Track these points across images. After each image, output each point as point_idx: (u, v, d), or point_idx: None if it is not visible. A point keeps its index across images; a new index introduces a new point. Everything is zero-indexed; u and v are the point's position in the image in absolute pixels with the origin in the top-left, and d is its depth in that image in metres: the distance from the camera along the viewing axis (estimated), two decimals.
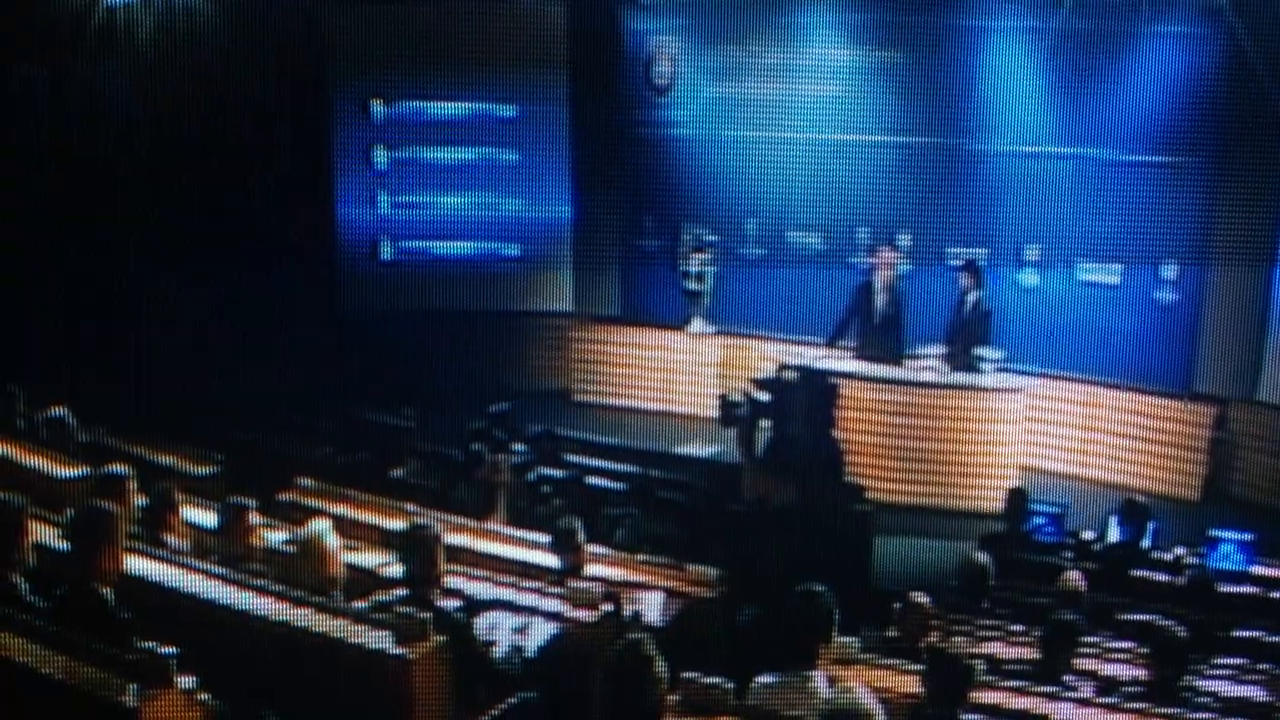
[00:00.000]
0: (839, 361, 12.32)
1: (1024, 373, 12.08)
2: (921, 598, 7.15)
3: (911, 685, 5.76)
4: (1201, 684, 6.76)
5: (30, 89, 12.92)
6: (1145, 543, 9.18)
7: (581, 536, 7.58)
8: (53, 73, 12.97)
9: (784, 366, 11.73)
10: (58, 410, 9.03)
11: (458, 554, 7.19)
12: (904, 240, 13.40)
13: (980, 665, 5.97)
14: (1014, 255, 13.08)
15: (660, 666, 4.49)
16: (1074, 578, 7.84)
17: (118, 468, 7.13)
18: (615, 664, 4.49)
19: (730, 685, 5.36)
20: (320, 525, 6.48)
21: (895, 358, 12.23)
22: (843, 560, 9.03)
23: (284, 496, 8.59)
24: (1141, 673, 6.76)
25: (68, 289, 12.39)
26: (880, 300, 12.36)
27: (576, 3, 14.61)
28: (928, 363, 12.05)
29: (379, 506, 8.52)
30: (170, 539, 6.79)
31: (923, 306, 12.43)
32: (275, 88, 13.62)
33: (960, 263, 12.53)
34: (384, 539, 7.50)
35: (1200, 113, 11.81)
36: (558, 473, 10.34)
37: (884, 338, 12.30)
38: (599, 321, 15.07)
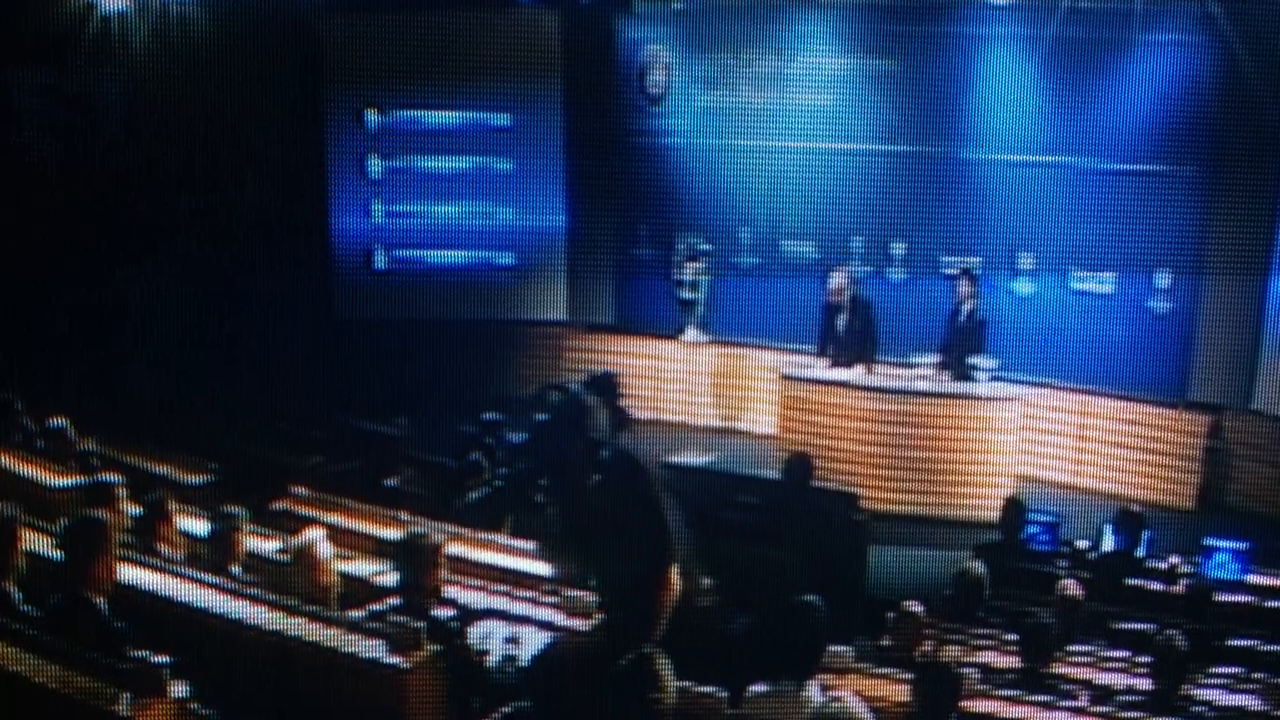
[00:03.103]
0: (834, 371, 12.37)
1: (1019, 382, 12.09)
2: (915, 607, 7.15)
3: (905, 694, 5.76)
4: (1197, 693, 6.76)
5: (24, 98, 12.92)
6: (1140, 552, 9.18)
7: None
8: (48, 82, 12.97)
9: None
10: (58, 421, 9.01)
11: (451, 562, 7.19)
12: (899, 248, 13.47)
13: (975, 674, 5.98)
14: (1008, 264, 13.08)
15: (670, 680, 4.48)
16: (1071, 586, 7.84)
17: (109, 476, 7.12)
18: (626, 675, 4.48)
19: (724, 694, 5.36)
20: (313, 534, 6.48)
21: (870, 363, 12.34)
22: (837, 569, 9.04)
23: (278, 505, 8.58)
24: (1137, 681, 6.77)
25: (63, 299, 12.39)
26: (842, 320, 12.42)
27: (570, 12, 14.62)
28: (923, 372, 12.06)
29: (372, 515, 8.50)
30: (163, 548, 6.77)
31: (915, 314, 12.46)
32: (269, 97, 13.63)
33: (955, 271, 12.54)
34: (380, 548, 7.49)
35: (1194, 122, 11.81)
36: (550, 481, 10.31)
37: (855, 349, 12.37)
38: (593, 330, 15.08)
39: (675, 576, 5.09)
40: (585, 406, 5.69)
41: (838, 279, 12.46)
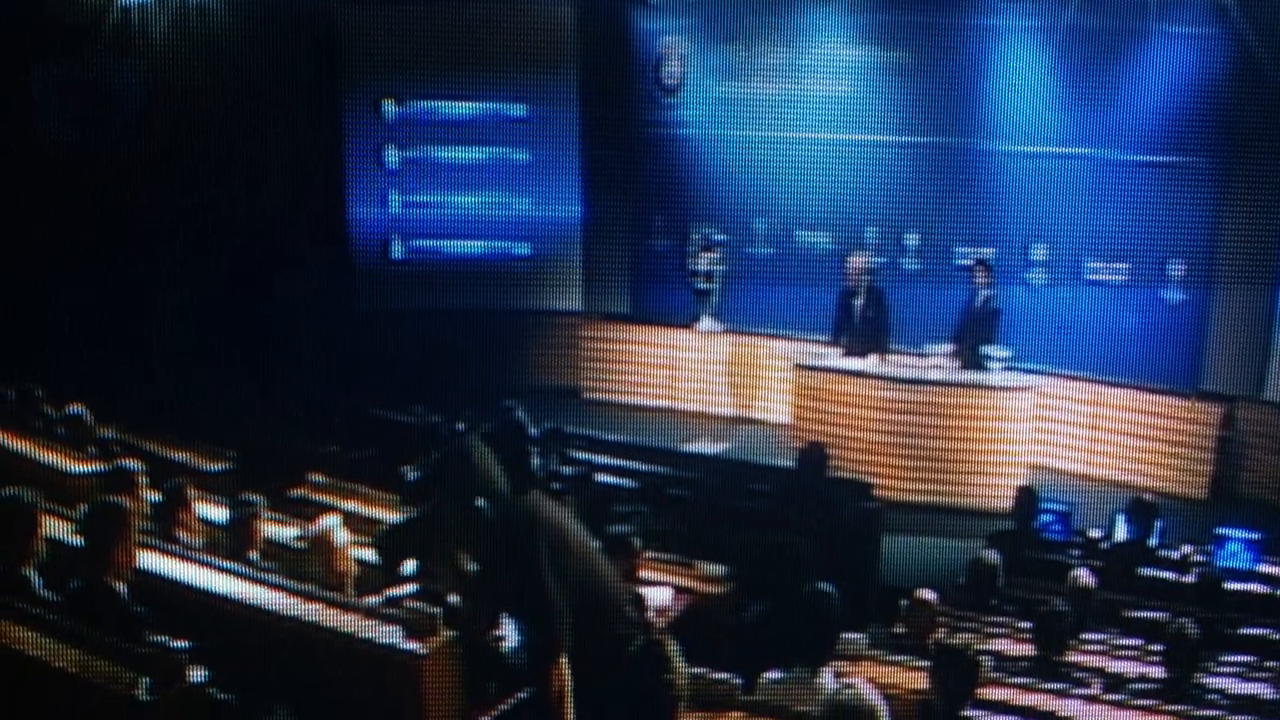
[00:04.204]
0: (847, 360, 12.39)
1: (1032, 371, 12.09)
2: (928, 594, 7.17)
3: (918, 681, 5.78)
4: (1209, 681, 6.78)
5: (45, 89, 12.97)
6: (1152, 541, 9.19)
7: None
8: (68, 73, 13.02)
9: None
10: (75, 408, 9.07)
11: None
12: (913, 238, 13.49)
13: (988, 661, 6.00)
14: (1021, 254, 13.08)
15: (681, 665, 4.51)
16: (1083, 575, 7.86)
17: (129, 463, 7.18)
18: (636, 659, 4.51)
19: (738, 681, 5.39)
20: (330, 521, 6.53)
21: (883, 353, 12.37)
22: (851, 557, 9.07)
23: (295, 492, 8.63)
24: (1149, 669, 6.79)
25: (81, 288, 12.43)
26: (858, 304, 12.45)
27: (586, 3, 14.63)
28: (936, 361, 12.07)
29: (389, 503, 8.54)
30: (182, 535, 6.83)
31: (928, 304, 12.49)
32: (287, 87, 13.68)
33: (970, 261, 12.55)
34: None
35: (1208, 112, 11.80)
36: (567, 469, 10.35)
37: (868, 338, 12.41)
38: (608, 320, 15.11)
39: (564, 672, 4.77)
40: (469, 461, 5.06)
41: (857, 261, 12.49)
